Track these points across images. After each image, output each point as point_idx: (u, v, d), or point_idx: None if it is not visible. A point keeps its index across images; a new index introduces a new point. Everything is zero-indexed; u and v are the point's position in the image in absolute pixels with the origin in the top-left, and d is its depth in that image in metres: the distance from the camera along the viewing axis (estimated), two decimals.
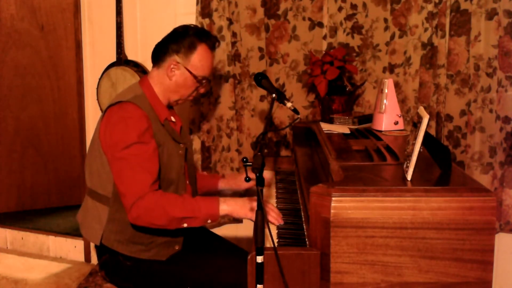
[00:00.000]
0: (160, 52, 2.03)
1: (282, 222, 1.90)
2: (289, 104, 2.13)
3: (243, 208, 1.90)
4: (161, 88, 2.04)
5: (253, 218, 1.79)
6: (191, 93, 2.08)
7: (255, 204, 1.84)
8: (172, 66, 2.00)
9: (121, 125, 1.89)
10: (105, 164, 1.93)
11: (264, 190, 2.20)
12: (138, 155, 1.87)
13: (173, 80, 2.02)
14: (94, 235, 2.01)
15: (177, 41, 2.01)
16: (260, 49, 2.86)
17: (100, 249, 2.03)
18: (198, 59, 2.01)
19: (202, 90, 2.10)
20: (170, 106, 2.13)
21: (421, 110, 1.79)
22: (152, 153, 1.90)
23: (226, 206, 1.90)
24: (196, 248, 2.13)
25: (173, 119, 2.09)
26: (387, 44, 2.78)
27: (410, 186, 1.65)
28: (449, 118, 2.62)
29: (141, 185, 1.85)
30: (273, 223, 1.90)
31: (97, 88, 3.17)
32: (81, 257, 3.30)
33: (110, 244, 1.98)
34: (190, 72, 2.01)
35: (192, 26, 2.06)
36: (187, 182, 2.13)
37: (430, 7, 2.61)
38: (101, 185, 1.97)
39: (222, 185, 2.35)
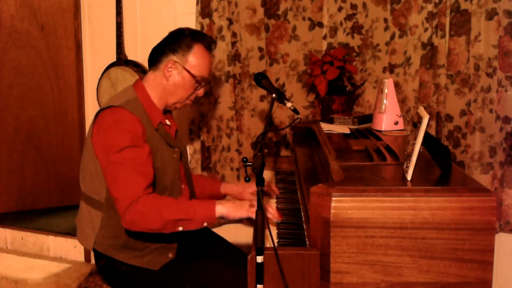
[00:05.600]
0: (157, 55, 2.03)
1: (280, 219, 1.87)
2: (289, 104, 2.13)
3: (241, 208, 1.86)
4: (158, 91, 2.02)
5: (253, 215, 1.78)
6: (190, 96, 2.05)
7: (254, 203, 1.83)
8: (169, 66, 1.99)
9: (114, 129, 1.87)
10: (98, 170, 1.90)
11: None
12: (132, 159, 1.84)
13: (171, 80, 2.00)
14: (87, 240, 2.00)
15: (173, 42, 2.01)
16: (260, 49, 2.86)
17: (97, 254, 2.02)
18: (195, 58, 2.00)
19: (200, 93, 2.07)
20: (166, 111, 2.11)
21: (421, 110, 1.79)
22: (147, 158, 1.88)
23: (222, 208, 1.85)
24: (192, 253, 2.09)
25: (168, 122, 2.07)
26: (387, 44, 2.78)
27: (410, 186, 1.64)
28: (449, 118, 2.62)
29: (135, 189, 1.81)
30: (271, 219, 1.88)
31: (97, 88, 3.17)
32: (81, 257, 3.30)
33: (104, 249, 1.97)
34: (188, 71, 1.99)
35: (187, 28, 2.06)
36: (182, 186, 2.10)
37: (430, 7, 2.61)
38: (94, 190, 1.95)
39: (224, 191, 2.31)
